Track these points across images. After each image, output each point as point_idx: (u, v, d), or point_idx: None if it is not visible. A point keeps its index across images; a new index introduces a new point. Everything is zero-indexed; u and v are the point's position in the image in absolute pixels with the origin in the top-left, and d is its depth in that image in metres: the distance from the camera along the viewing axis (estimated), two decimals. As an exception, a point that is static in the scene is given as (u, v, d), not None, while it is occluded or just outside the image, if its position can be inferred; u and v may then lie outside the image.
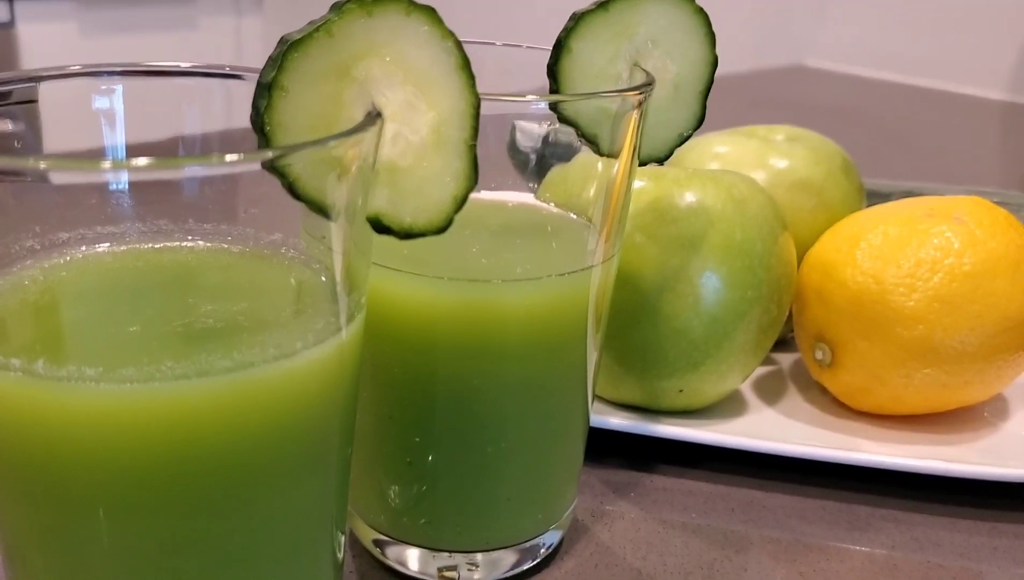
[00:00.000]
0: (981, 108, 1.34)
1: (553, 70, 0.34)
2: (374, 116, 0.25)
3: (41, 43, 2.14)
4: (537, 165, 0.39)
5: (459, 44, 0.27)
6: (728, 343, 0.43)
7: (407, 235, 0.26)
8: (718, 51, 0.36)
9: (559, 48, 0.34)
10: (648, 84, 0.33)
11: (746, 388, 0.50)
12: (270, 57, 0.24)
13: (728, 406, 0.48)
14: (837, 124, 1.16)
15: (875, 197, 0.59)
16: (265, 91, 0.24)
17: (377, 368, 0.34)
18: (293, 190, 0.24)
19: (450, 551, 0.37)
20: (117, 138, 0.30)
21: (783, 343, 0.54)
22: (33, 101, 0.29)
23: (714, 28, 0.36)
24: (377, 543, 0.38)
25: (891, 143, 1.12)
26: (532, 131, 0.48)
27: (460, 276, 0.32)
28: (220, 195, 0.28)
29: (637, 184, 0.44)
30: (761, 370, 0.52)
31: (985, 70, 1.41)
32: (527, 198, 0.38)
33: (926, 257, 0.44)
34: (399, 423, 0.35)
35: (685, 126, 0.37)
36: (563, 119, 0.33)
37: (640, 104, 0.33)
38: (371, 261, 0.28)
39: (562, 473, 0.38)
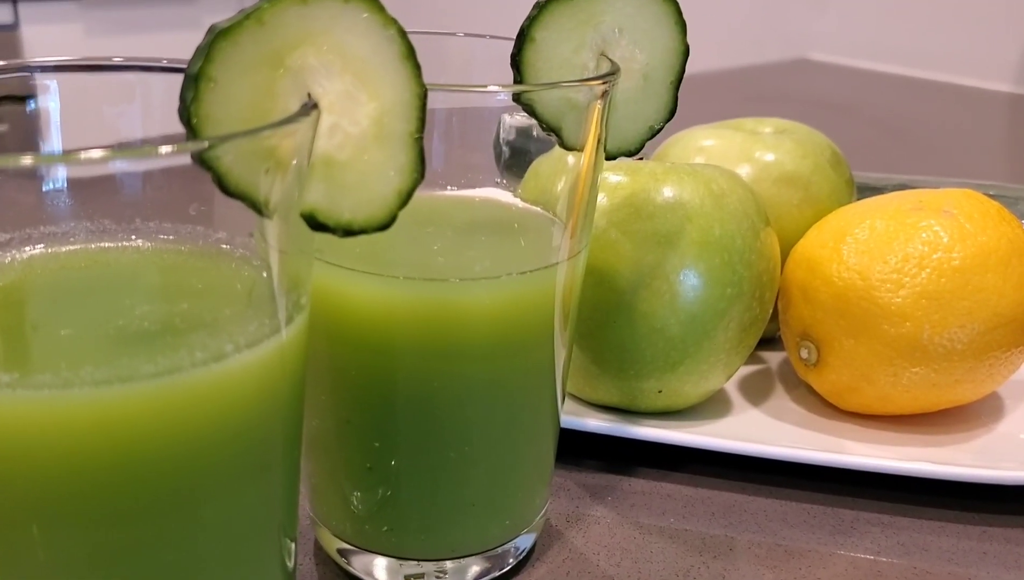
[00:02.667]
0: (986, 101, 1.32)
1: (516, 60, 0.33)
2: (309, 107, 0.24)
3: (45, 44, 2.14)
4: (518, 161, 0.38)
5: (403, 32, 0.25)
6: (708, 342, 0.42)
7: (347, 232, 0.25)
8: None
9: (522, 38, 0.33)
10: (612, 73, 0.32)
11: (731, 388, 0.48)
12: (198, 47, 0.23)
13: (711, 407, 0.46)
14: (841, 118, 1.15)
15: (868, 191, 0.58)
16: (192, 82, 0.23)
17: (333, 371, 0.33)
18: (223, 185, 0.23)
19: (417, 559, 0.36)
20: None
21: (771, 342, 0.53)
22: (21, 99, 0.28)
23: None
24: (342, 552, 0.37)
25: (896, 137, 1.10)
26: (513, 126, 0.46)
27: (416, 275, 0.31)
28: (165, 193, 0.27)
29: (613, 178, 0.43)
30: (748, 369, 0.51)
31: (990, 62, 1.39)
32: (496, 194, 0.37)
33: (913, 252, 0.42)
34: (358, 428, 0.33)
35: (656, 118, 0.35)
36: (527, 111, 0.32)
37: (604, 94, 0.32)
38: (312, 259, 0.27)
39: (531, 477, 0.36)
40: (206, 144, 0.22)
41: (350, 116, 0.25)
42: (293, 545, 0.29)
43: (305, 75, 0.24)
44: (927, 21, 1.50)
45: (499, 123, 0.42)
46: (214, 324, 0.25)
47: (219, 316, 0.25)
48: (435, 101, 0.33)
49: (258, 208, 0.23)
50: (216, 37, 0.23)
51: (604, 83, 0.32)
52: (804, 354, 0.45)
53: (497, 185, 0.37)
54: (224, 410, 0.24)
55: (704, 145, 0.52)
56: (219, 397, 0.24)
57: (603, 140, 0.33)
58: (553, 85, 0.32)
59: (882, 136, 1.09)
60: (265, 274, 0.26)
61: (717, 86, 1.29)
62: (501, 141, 0.43)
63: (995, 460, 0.43)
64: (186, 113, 0.23)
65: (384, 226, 0.25)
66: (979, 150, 1.08)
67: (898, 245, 0.43)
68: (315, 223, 0.25)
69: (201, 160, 0.22)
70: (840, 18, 1.60)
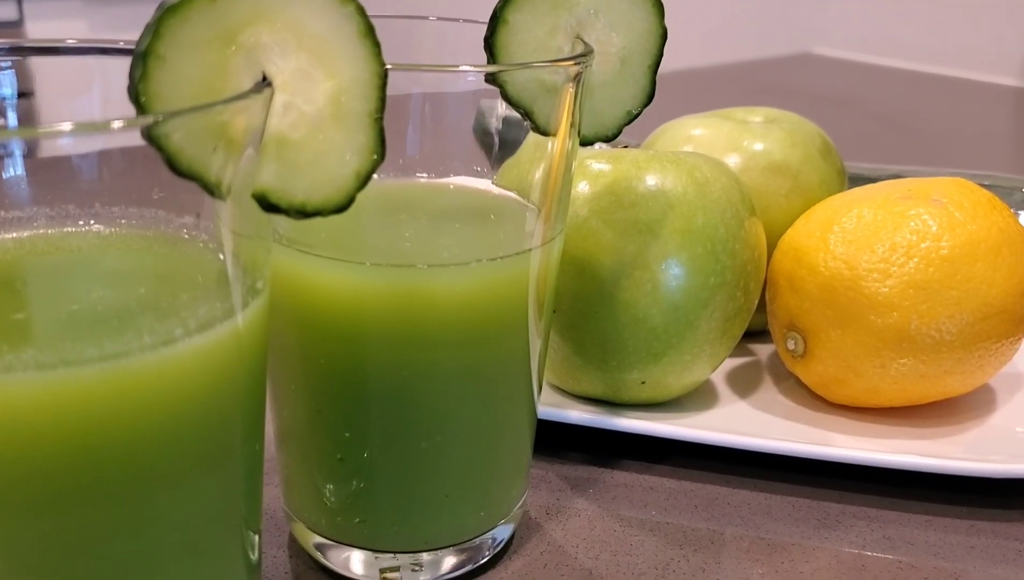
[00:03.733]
0: (991, 95, 1.31)
1: (490, 43, 0.33)
2: (262, 84, 0.23)
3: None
4: (497, 148, 0.37)
5: (361, 9, 0.25)
6: (691, 332, 0.41)
7: (301, 214, 0.25)
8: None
9: (496, 20, 0.32)
10: (584, 54, 0.31)
11: (719, 380, 0.48)
12: (147, 24, 0.23)
13: (697, 398, 0.46)
14: (844, 112, 1.14)
15: (861, 181, 0.57)
16: (140, 60, 0.22)
17: (303, 360, 0.32)
18: (174, 164, 0.22)
19: (392, 552, 0.35)
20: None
21: (762, 333, 0.52)
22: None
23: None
24: (318, 546, 0.36)
25: (900, 131, 1.09)
26: (492, 113, 0.46)
27: (383, 261, 0.30)
28: (125, 177, 0.26)
29: (595, 166, 0.42)
30: (735, 362, 0.50)
31: (994, 56, 1.38)
32: (472, 182, 0.36)
33: (901, 241, 0.42)
34: (328, 418, 0.33)
35: (633, 103, 0.35)
36: (501, 94, 0.31)
37: (577, 76, 0.31)
38: (269, 243, 0.26)
39: (506, 468, 0.36)
40: (157, 118, 0.21)
41: (305, 95, 0.24)
42: (256, 537, 0.29)
43: (258, 53, 0.24)
44: (931, 15, 1.48)
45: (479, 109, 0.42)
46: (166, 308, 0.24)
47: (174, 300, 0.25)
48: (406, 85, 0.33)
49: (210, 189, 0.23)
50: (164, 13, 0.22)
51: (576, 64, 0.31)
52: (791, 345, 0.44)
53: (474, 173, 0.37)
54: (175, 395, 0.24)
55: (693, 134, 0.51)
56: (169, 382, 0.23)
57: (577, 124, 0.33)
58: (524, 66, 0.31)
59: (886, 130, 1.08)
60: (221, 257, 0.26)
61: (720, 80, 1.28)
62: (484, 128, 0.42)
63: (984, 453, 0.42)
64: (135, 92, 0.22)
65: (340, 208, 0.25)
66: (983, 144, 1.07)
67: (886, 234, 0.42)
68: (267, 204, 0.24)
69: (150, 137, 0.21)
70: (843, 12, 1.59)
